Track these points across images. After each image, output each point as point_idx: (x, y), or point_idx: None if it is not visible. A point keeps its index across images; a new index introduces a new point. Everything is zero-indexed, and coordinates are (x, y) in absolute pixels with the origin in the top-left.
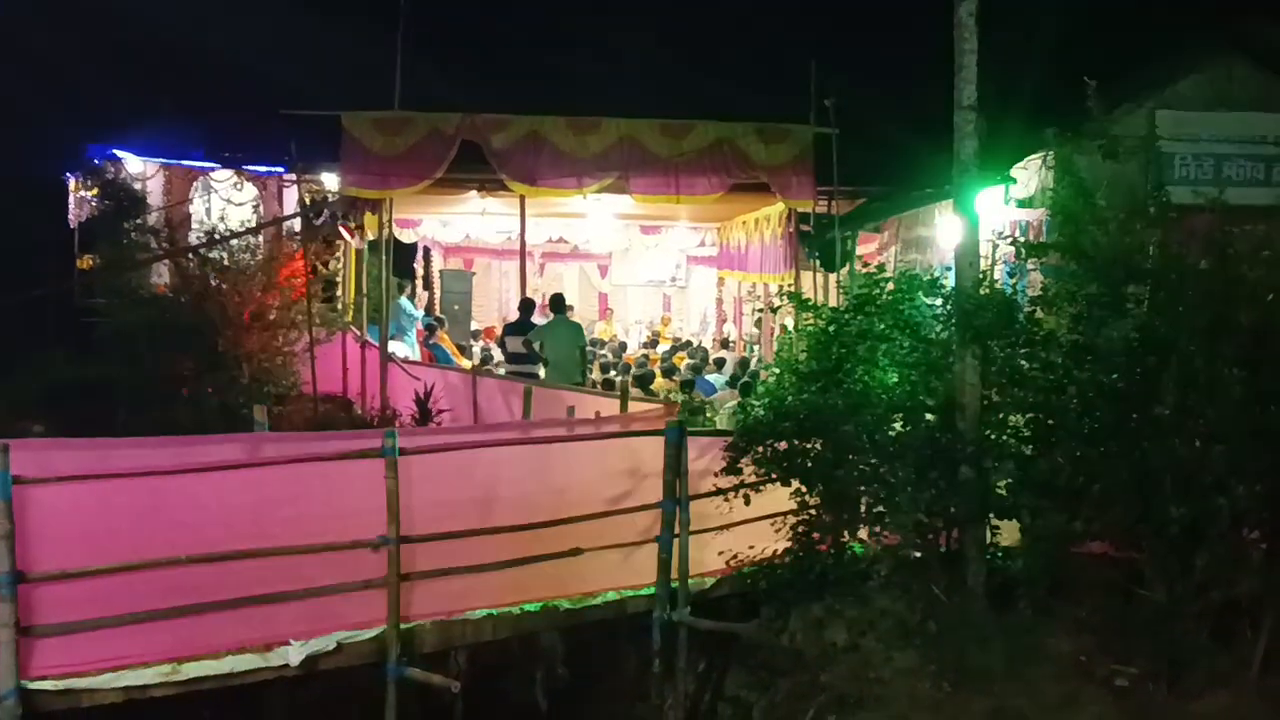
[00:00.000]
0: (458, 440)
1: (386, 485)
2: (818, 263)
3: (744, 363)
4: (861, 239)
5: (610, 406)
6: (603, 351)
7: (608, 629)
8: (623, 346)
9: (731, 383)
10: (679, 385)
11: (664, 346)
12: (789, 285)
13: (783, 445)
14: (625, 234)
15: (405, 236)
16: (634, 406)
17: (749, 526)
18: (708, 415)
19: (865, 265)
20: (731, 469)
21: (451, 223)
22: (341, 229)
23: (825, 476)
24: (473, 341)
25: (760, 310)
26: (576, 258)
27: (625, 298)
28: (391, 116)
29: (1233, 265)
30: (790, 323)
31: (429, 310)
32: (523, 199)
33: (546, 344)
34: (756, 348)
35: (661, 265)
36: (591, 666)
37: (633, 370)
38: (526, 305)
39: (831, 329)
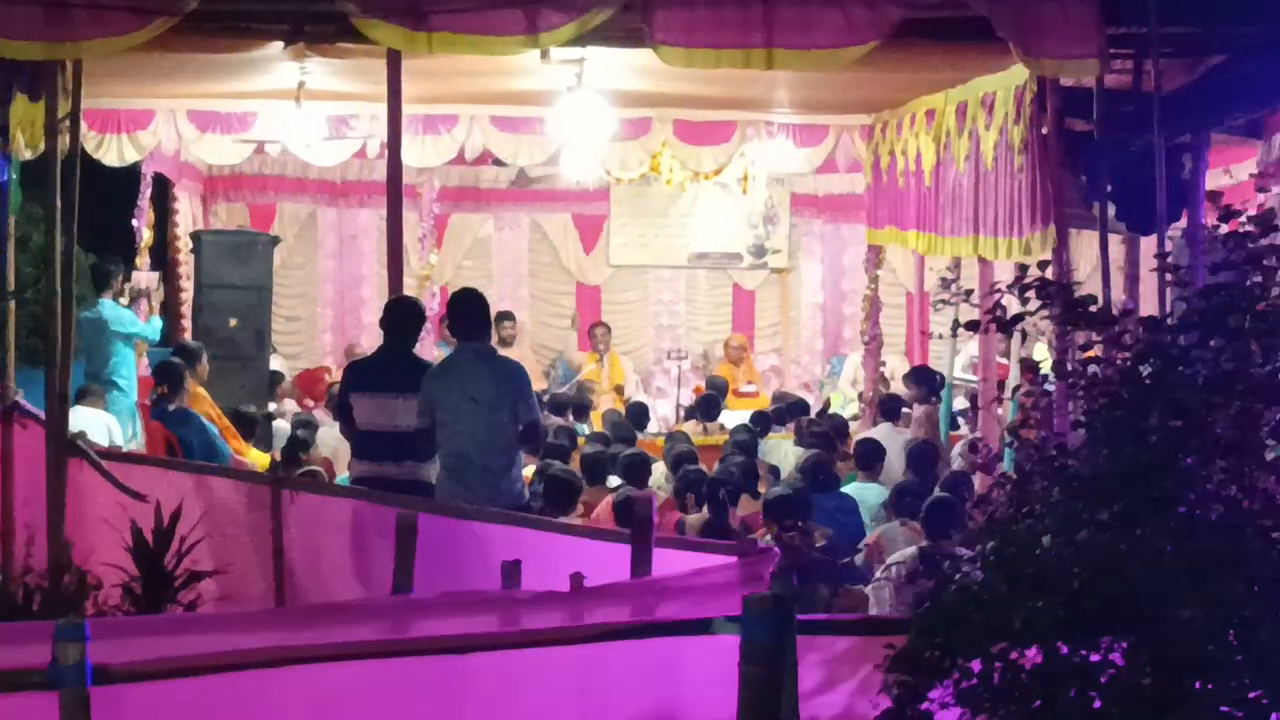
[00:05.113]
0: (239, 650)
1: None
2: (1112, 212)
3: (928, 454)
4: (1218, 154)
5: (607, 558)
6: (584, 426)
7: None
8: (639, 415)
9: (901, 502)
10: (773, 508)
11: (735, 414)
12: (1041, 258)
13: (1032, 653)
14: (639, 146)
15: (113, 153)
16: (666, 559)
17: None
18: (849, 596)
19: (1228, 213)
20: (905, 713)
21: (223, 122)
22: None
23: None
24: (272, 405)
25: (971, 325)
26: (525, 201)
27: (641, 298)
28: None
29: None
30: (1044, 353)
31: (168, 332)
32: (394, 58)
33: (441, 410)
34: (963, 418)
35: (727, 217)
36: None
37: (654, 477)
38: (402, 316)
39: (1148, 370)
